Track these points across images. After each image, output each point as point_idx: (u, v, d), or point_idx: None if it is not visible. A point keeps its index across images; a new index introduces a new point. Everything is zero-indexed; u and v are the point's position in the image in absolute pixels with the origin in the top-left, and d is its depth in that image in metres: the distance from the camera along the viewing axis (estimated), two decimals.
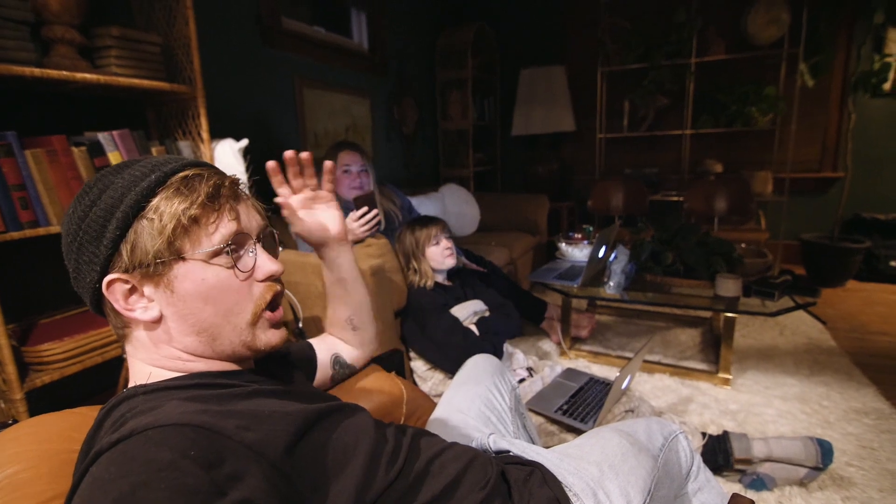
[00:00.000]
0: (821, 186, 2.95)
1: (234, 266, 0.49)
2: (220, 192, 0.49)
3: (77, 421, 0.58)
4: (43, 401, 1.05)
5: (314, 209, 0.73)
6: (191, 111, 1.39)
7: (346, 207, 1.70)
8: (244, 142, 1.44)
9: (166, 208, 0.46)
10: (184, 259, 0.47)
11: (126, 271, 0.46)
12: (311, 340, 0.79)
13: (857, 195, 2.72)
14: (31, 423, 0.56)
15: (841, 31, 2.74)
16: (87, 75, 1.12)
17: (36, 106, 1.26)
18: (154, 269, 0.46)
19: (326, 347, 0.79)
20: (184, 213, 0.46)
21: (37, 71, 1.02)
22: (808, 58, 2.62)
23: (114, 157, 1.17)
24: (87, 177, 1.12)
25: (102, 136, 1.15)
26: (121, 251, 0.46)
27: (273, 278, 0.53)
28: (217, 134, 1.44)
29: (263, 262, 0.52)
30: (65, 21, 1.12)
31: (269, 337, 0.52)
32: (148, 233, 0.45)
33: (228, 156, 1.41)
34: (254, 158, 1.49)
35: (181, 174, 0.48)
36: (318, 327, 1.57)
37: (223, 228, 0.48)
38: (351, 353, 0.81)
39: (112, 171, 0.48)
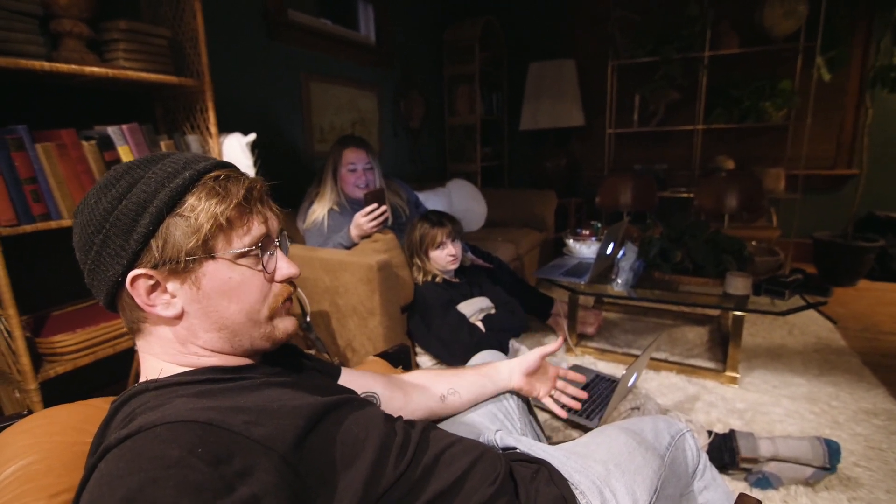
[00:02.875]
0: (835, 184, 2.89)
1: (262, 268, 0.51)
2: (252, 194, 0.50)
3: (89, 413, 0.58)
4: (56, 391, 1.07)
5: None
6: (199, 105, 1.39)
7: (352, 205, 1.70)
8: (252, 136, 1.45)
9: (203, 208, 0.46)
10: (214, 258, 0.48)
11: (154, 267, 0.46)
12: (348, 370, 0.72)
13: (871, 193, 2.67)
14: (44, 414, 0.57)
15: (859, 24, 2.67)
16: (96, 69, 1.13)
17: (45, 100, 1.27)
18: (184, 266, 0.46)
19: (365, 383, 0.71)
20: (221, 214, 0.47)
21: (46, 64, 1.03)
22: (826, 51, 2.56)
23: (123, 151, 1.18)
24: (97, 170, 1.13)
25: (112, 130, 1.16)
26: (150, 246, 0.46)
27: (290, 280, 0.55)
28: (224, 128, 1.44)
29: (283, 265, 0.54)
30: (73, 15, 1.13)
31: (287, 325, 0.55)
32: (182, 230, 0.46)
33: (236, 150, 1.41)
34: (260, 153, 1.49)
35: (213, 173, 0.49)
36: (325, 322, 1.58)
37: (254, 231, 0.50)
38: (390, 404, 0.71)
39: (140, 165, 0.48)
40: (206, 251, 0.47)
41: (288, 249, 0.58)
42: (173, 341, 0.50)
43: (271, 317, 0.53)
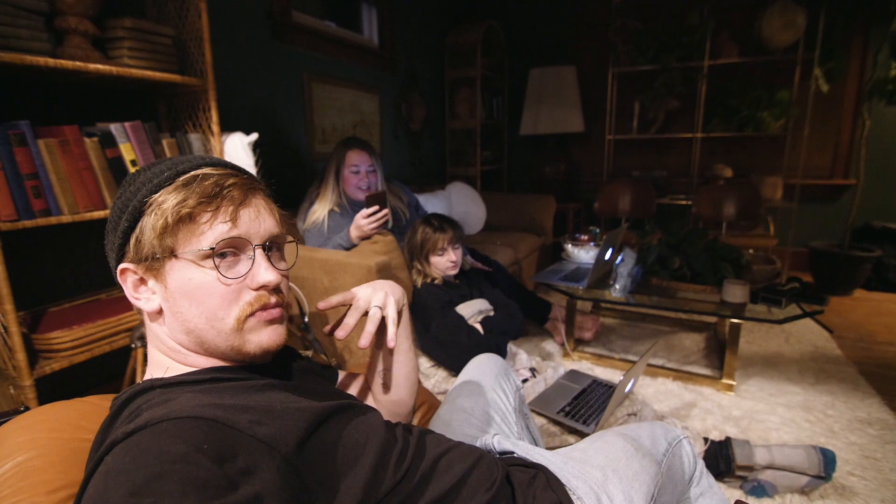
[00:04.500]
0: (831, 194, 2.91)
1: (216, 269, 0.47)
2: (221, 192, 0.48)
3: (87, 410, 0.59)
4: (52, 388, 1.07)
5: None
6: (202, 104, 1.39)
7: (353, 206, 1.71)
8: (254, 136, 1.45)
9: (164, 204, 0.47)
10: (176, 256, 0.47)
11: (133, 262, 0.49)
12: (342, 373, 0.74)
13: (868, 204, 2.69)
14: (42, 411, 0.57)
15: (857, 36, 2.70)
16: (100, 66, 1.13)
17: (49, 97, 1.27)
18: (152, 262, 0.48)
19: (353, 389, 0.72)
20: (173, 211, 0.46)
21: (50, 61, 1.03)
22: (823, 63, 2.59)
23: (125, 149, 1.18)
24: (99, 167, 1.14)
25: (114, 128, 1.16)
26: (129, 242, 0.48)
27: (267, 289, 0.50)
28: (226, 127, 1.44)
29: (259, 271, 0.49)
30: (78, 12, 1.13)
31: (262, 338, 0.50)
32: (149, 227, 0.47)
33: (238, 150, 1.41)
34: (262, 153, 1.49)
35: (192, 173, 0.48)
36: (323, 323, 1.58)
37: (215, 230, 0.47)
38: None
39: (142, 170, 0.52)
40: (166, 249, 0.47)
41: (294, 256, 0.56)
42: (162, 337, 0.51)
43: (239, 328, 0.48)
